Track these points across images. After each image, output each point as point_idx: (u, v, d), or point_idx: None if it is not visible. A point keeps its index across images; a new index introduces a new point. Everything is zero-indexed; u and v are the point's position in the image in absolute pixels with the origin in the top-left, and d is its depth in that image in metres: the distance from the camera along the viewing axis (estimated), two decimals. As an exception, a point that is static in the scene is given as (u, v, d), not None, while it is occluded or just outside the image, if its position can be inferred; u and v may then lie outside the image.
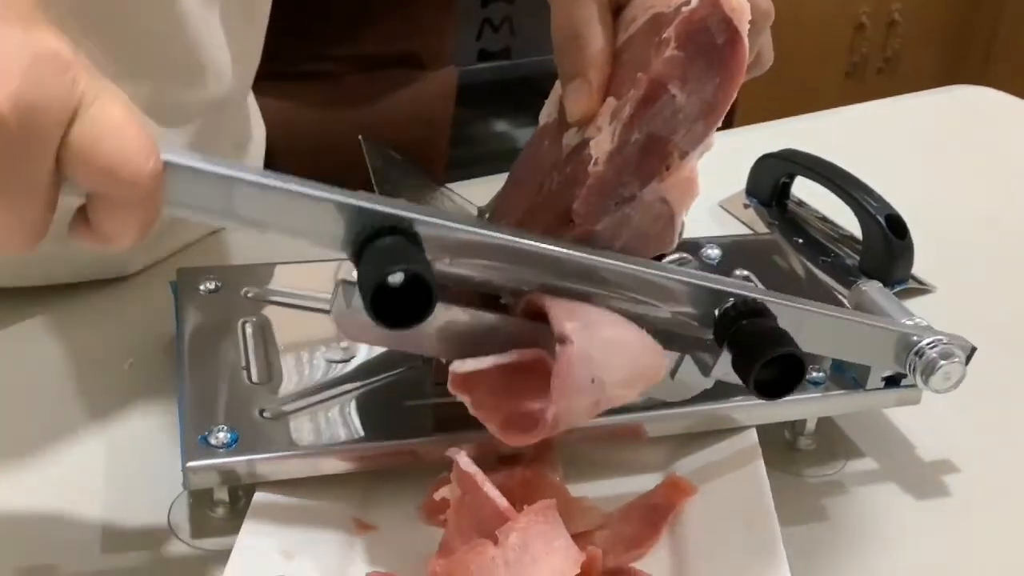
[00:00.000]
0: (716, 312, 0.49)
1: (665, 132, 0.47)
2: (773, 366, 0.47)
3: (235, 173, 0.43)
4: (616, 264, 0.48)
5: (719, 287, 0.49)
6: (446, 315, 0.47)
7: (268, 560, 0.48)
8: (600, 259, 0.48)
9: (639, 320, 0.49)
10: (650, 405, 0.54)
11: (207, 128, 0.69)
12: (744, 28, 0.45)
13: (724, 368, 0.49)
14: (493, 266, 0.47)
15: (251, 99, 0.82)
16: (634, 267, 0.48)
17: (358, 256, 0.43)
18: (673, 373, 0.51)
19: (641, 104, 0.46)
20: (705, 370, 0.50)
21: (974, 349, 0.54)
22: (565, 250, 0.47)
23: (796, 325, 0.50)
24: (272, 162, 0.98)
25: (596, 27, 0.50)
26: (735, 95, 0.47)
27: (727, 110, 0.48)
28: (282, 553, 0.49)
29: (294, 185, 0.43)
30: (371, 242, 0.43)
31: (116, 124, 0.39)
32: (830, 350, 0.54)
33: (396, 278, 0.41)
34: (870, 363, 0.55)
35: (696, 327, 0.50)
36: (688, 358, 0.51)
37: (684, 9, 0.46)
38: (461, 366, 0.47)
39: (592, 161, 0.48)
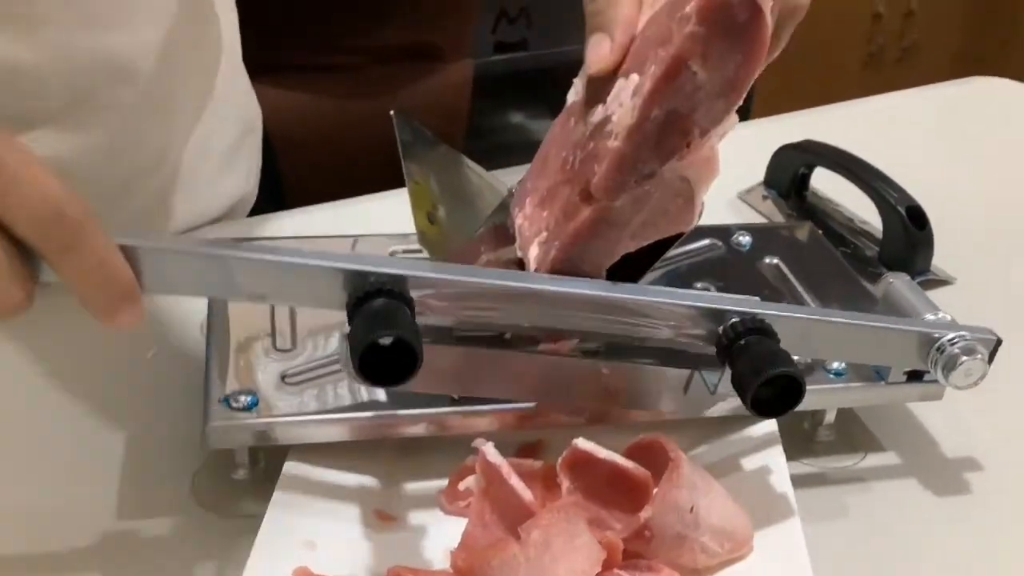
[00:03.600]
0: (720, 329, 0.49)
1: (686, 109, 0.47)
2: (773, 385, 0.47)
3: (225, 252, 0.44)
4: (616, 296, 0.49)
5: (720, 306, 0.49)
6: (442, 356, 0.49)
7: (291, 551, 0.48)
8: (599, 292, 0.49)
9: (644, 341, 0.50)
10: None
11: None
12: (767, 6, 0.45)
13: (728, 385, 0.49)
14: (492, 308, 0.48)
15: (245, 79, 0.82)
16: (634, 296, 0.49)
17: (350, 318, 0.45)
18: (686, 388, 0.52)
19: (662, 80, 0.46)
20: (710, 387, 0.51)
21: (999, 342, 0.54)
22: (561, 288, 0.48)
23: (805, 334, 0.50)
24: (291, 153, 0.98)
25: None
26: (757, 73, 0.47)
27: (748, 88, 0.47)
28: (304, 543, 0.49)
29: (284, 256, 0.45)
30: (362, 304, 0.45)
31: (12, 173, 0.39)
32: (846, 355, 0.55)
33: (384, 341, 0.43)
34: (889, 364, 0.55)
35: (701, 345, 0.50)
36: (698, 376, 0.51)
37: None
38: (583, 443, 0.50)
39: (612, 136, 0.48)
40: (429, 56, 1.25)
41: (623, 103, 0.47)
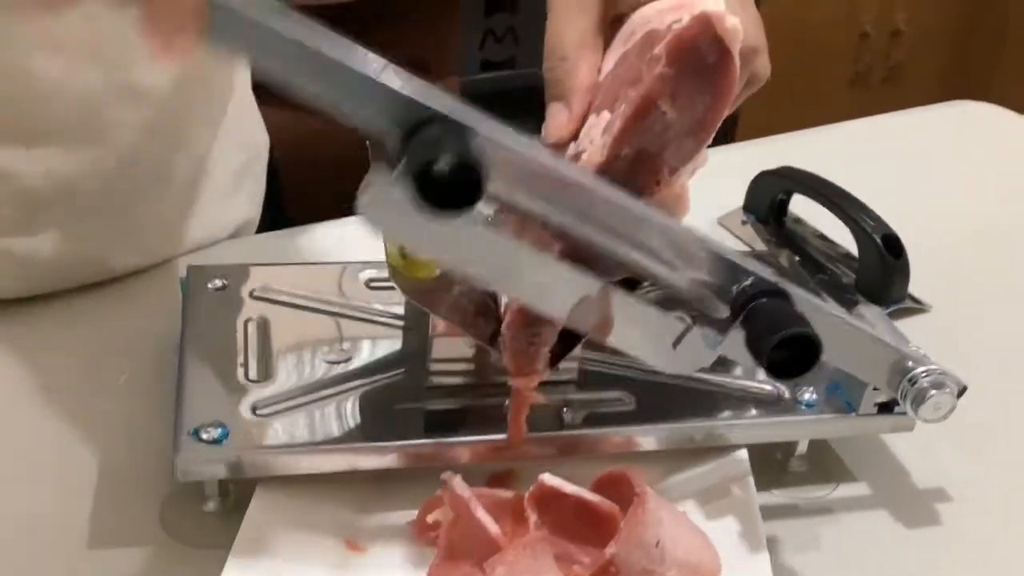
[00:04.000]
0: (734, 288, 0.48)
1: (655, 148, 0.47)
2: (787, 347, 0.46)
3: (293, 31, 0.41)
4: (650, 215, 0.47)
5: (741, 264, 0.48)
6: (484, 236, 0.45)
7: (258, 584, 0.48)
8: (636, 206, 0.47)
9: (654, 280, 0.48)
10: (640, 418, 0.55)
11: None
12: (736, 49, 0.45)
13: (734, 346, 0.48)
14: (534, 190, 0.45)
15: (253, 105, 0.83)
16: (666, 222, 0.47)
17: (405, 140, 0.42)
18: (676, 343, 0.49)
19: (631, 119, 0.46)
20: (712, 343, 0.49)
21: (964, 388, 0.54)
22: (609, 188, 0.46)
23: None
24: (278, 172, 0.98)
25: (585, 52, 0.50)
26: (726, 114, 0.47)
27: (717, 128, 0.48)
28: (273, 574, 0.49)
29: (344, 56, 0.41)
30: (420, 128, 0.41)
31: None
32: (831, 354, 0.54)
33: (446, 160, 0.40)
34: (864, 377, 0.55)
35: (712, 299, 0.49)
36: (694, 332, 0.49)
37: (675, 27, 0.46)
38: (549, 479, 0.50)
39: None
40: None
41: (593, 140, 0.48)
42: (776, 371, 0.47)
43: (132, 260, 0.71)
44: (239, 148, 0.79)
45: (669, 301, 0.49)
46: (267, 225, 0.83)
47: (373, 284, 0.63)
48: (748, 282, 0.48)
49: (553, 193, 0.45)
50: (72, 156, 0.65)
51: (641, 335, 0.49)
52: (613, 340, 0.49)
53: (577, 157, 0.48)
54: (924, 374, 0.53)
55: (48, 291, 0.68)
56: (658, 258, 0.48)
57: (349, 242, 0.71)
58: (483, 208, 0.44)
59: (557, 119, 0.50)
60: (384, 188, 0.41)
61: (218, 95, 0.75)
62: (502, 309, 0.51)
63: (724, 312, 0.49)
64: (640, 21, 0.49)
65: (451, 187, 0.40)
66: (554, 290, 0.47)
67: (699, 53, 0.45)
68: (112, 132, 0.66)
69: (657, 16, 0.48)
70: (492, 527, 0.48)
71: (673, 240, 0.47)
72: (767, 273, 0.48)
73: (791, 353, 0.46)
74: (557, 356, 0.51)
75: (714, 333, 0.49)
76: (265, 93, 0.83)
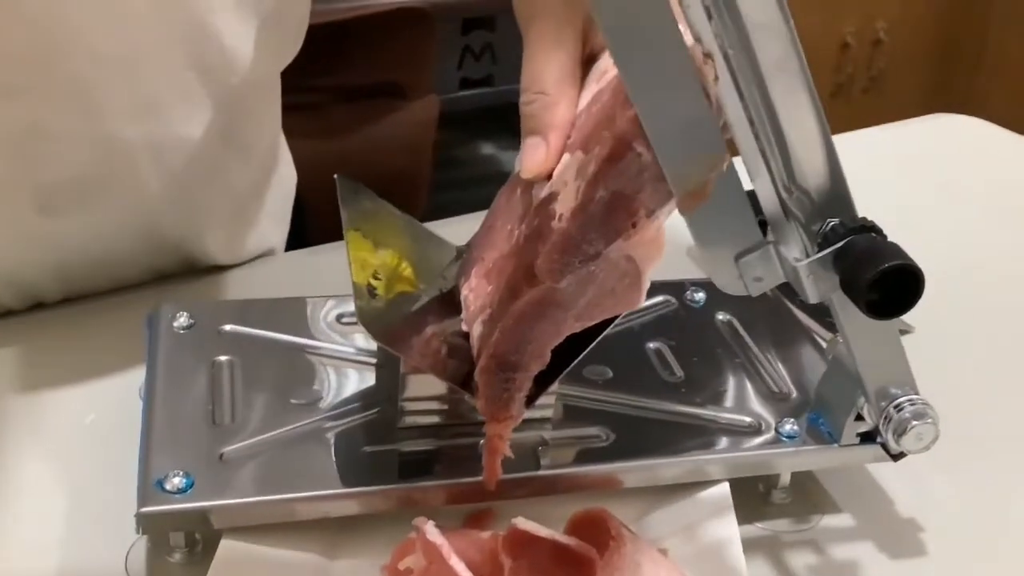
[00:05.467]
0: (827, 222, 0.47)
1: (631, 190, 0.46)
2: (881, 287, 0.45)
3: None
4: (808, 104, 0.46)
5: (847, 196, 0.47)
6: None
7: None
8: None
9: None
10: (619, 454, 0.54)
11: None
12: (712, 90, 0.44)
13: (815, 274, 0.47)
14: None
15: (282, 139, 0.83)
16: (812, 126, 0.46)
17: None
18: (743, 254, 0.48)
19: (606, 162, 0.45)
20: (779, 270, 0.48)
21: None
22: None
23: None
24: (302, 201, 0.97)
25: (564, 88, 0.49)
26: None
27: None
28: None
29: None
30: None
31: None
32: (858, 347, 0.53)
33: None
34: (867, 377, 0.53)
35: (799, 227, 0.47)
36: (767, 250, 0.48)
37: None
38: (522, 523, 0.49)
39: (556, 217, 0.47)
40: (392, 94, 1.24)
41: (567, 182, 0.47)
42: (875, 310, 0.46)
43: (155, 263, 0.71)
44: (272, 181, 0.79)
45: None
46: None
47: (344, 320, 0.62)
48: (841, 220, 0.46)
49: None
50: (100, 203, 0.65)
51: (721, 227, 0.47)
52: (692, 219, 0.47)
53: (551, 199, 0.47)
54: (909, 403, 0.53)
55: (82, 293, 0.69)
56: (784, 149, 0.46)
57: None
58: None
59: (535, 155, 0.49)
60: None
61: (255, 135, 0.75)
62: (474, 352, 0.50)
63: (799, 247, 0.47)
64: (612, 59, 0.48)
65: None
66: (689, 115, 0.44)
67: None
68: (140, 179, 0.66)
69: None
70: (465, 574, 0.47)
71: (813, 134, 0.46)
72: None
73: (884, 293, 0.45)
74: (533, 396, 0.50)
75: (788, 259, 0.47)
76: (289, 125, 0.83)
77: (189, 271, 0.74)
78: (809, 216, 0.47)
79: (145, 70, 0.62)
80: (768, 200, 0.47)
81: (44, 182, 0.63)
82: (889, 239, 0.47)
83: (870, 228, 0.47)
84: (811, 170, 0.46)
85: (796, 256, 0.48)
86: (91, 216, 0.66)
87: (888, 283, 0.45)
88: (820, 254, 0.47)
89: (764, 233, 0.48)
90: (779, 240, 0.48)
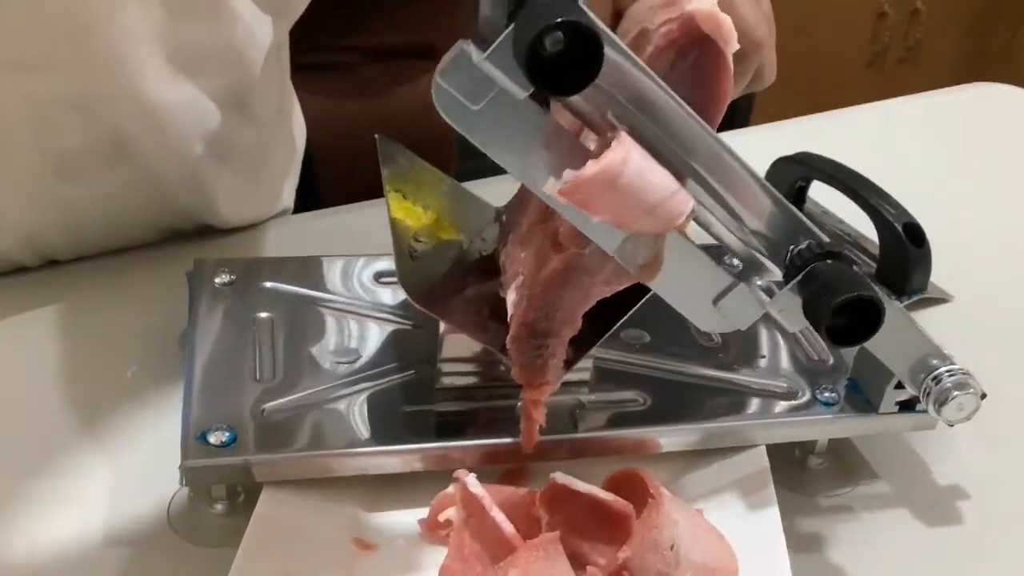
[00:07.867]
0: (791, 248, 0.46)
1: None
2: (846, 313, 0.44)
3: None
4: (726, 150, 0.45)
5: (803, 222, 0.46)
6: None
7: (267, 583, 0.47)
8: (716, 139, 0.45)
9: (710, 229, 0.47)
10: (656, 418, 0.54)
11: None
12: (729, 49, 0.44)
13: (781, 308, 0.47)
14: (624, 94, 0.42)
15: (293, 99, 0.83)
16: (742, 163, 0.45)
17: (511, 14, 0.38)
18: (719, 298, 0.48)
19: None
20: (757, 304, 0.48)
21: (984, 396, 0.53)
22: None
23: None
24: (312, 160, 0.97)
25: None
26: (723, 111, 0.46)
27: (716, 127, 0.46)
28: (281, 574, 0.48)
29: None
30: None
31: None
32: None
33: (558, 34, 0.36)
34: (891, 364, 0.53)
35: (761, 259, 0.47)
36: (740, 289, 0.48)
37: (663, 29, 0.44)
38: (561, 478, 0.48)
39: None
40: (425, 55, 1.24)
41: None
42: (834, 337, 0.45)
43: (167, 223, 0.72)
44: (282, 141, 0.79)
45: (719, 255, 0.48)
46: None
47: (383, 280, 0.62)
48: (806, 244, 0.46)
49: (640, 101, 0.42)
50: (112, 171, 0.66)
51: (687, 283, 0.47)
52: (656, 284, 0.47)
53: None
54: (948, 374, 0.52)
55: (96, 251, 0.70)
56: (722, 201, 0.46)
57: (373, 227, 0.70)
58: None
59: None
60: (474, 64, 0.38)
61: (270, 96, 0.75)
62: (509, 319, 0.50)
63: (773, 274, 0.47)
64: (633, 19, 0.48)
65: (567, 61, 0.36)
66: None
67: (689, 55, 0.43)
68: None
69: (648, 15, 0.46)
70: (507, 527, 0.47)
71: (743, 183, 0.45)
72: (825, 237, 0.47)
73: (849, 319, 0.45)
74: (571, 361, 0.50)
75: (761, 293, 0.47)
76: (320, 85, 0.83)
77: (208, 231, 0.74)
78: (771, 249, 0.47)
79: (171, 41, 0.62)
80: (730, 241, 0.47)
81: (67, 148, 0.63)
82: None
83: (835, 254, 0.46)
84: (756, 211, 0.46)
85: (765, 287, 0.47)
86: (107, 178, 0.66)
87: (849, 311, 0.45)
88: (785, 288, 0.46)
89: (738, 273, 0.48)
90: (753, 273, 0.48)
